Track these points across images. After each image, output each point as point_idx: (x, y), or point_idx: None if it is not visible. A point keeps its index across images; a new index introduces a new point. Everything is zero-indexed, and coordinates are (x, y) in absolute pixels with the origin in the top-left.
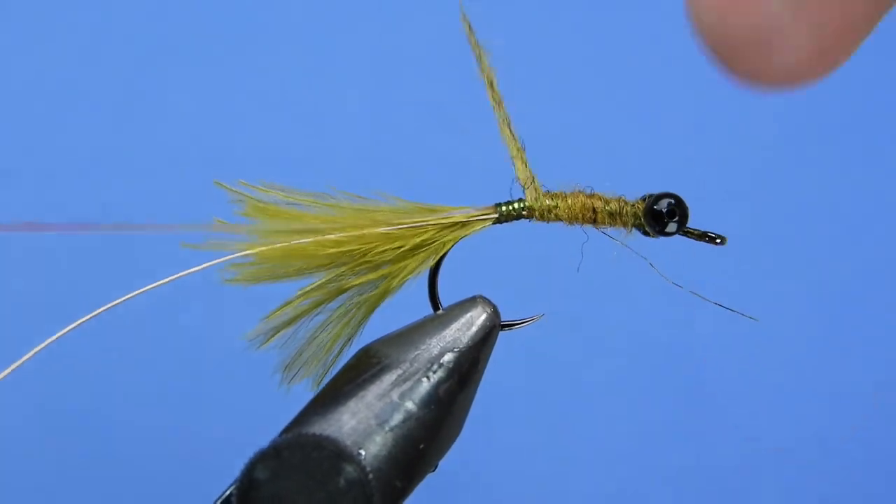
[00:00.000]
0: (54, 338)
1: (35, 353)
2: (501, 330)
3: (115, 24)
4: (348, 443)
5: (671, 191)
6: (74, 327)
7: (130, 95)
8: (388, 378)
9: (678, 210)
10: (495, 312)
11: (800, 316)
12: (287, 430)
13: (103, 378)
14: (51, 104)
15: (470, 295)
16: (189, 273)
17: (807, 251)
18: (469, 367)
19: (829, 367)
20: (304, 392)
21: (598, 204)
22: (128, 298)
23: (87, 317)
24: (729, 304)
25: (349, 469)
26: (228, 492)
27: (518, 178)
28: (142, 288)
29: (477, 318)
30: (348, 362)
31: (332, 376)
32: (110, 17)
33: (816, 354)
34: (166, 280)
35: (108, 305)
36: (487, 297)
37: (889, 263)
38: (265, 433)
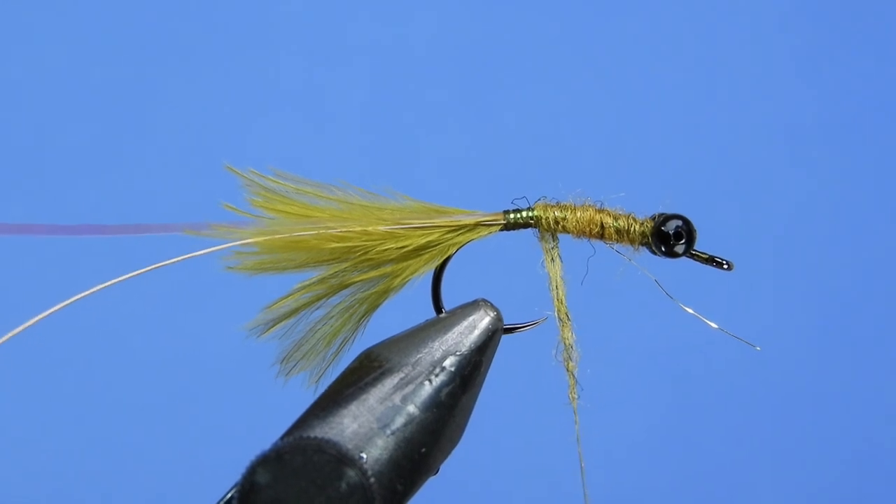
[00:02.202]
0: (34, 320)
1: (14, 335)
2: (504, 333)
3: (117, 22)
4: (350, 446)
5: (681, 212)
6: (61, 307)
7: (134, 92)
8: (390, 381)
9: (686, 232)
10: (498, 316)
11: (800, 321)
12: (288, 433)
13: (100, 377)
14: (51, 103)
15: (473, 298)
16: (189, 257)
17: (808, 253)
18: (471, 370)
19: (829, 370)
20: (304, 395)
21: (607, 220)
22: (120, 280)
23: (71, 300)
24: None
25: (351, 473)
26: (229, 495)
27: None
28: (133, 273)
29: (479, 322)
30: (349, 366)
31: (332, 380)
32: (113, 14)
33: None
34: (166, 262)
35: (97, 288)
36: (490, 300)
37: (889, 265)
38: (266, 436)
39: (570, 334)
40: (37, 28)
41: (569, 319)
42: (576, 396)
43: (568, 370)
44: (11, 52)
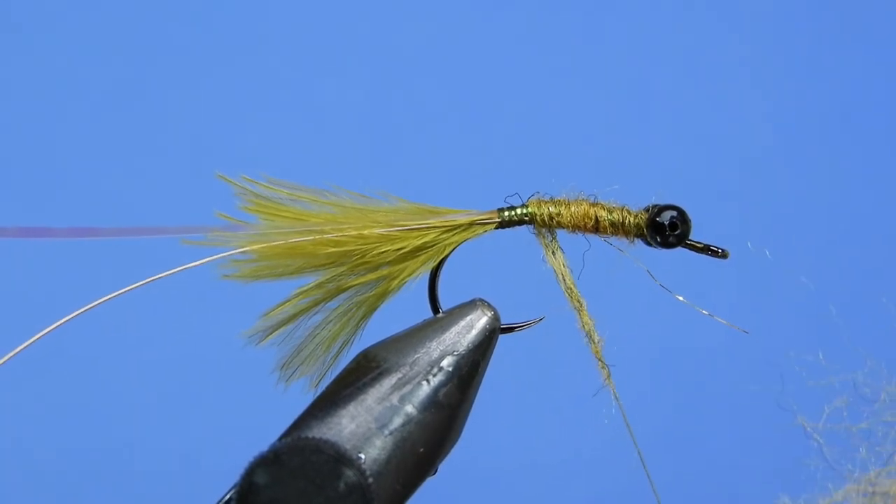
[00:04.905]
0: (41, 334)
1: (22, 350)
2: (501, 333)
3: (114, 23)
4: (348, 447)
5: (674, 202)
6: (65, 322)
7: (130, 93)
8: (388, 382)
9: (681, 223)
10: (495, 316)
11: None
12: (286, 434)
13: (100, 378)
14: (48, 104)
15: (470, 298)
16: (187, 268)
17: (805, 242)
18: (469, 370)
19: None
20: (302, 396)
21: (602, 213)
22: (124, 292)
23: (78, 312)
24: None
25: (349, 473)
26: (227, 496)
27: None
28: (137, 283)
29: (477, 322)
30: (347, 366)
31: (330, 380)
32: (110, 16)
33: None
34: (163, 274)
35: (101, 300)
36: (487, 300)
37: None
38: (264, 437)
39: (588, 319)
40: (33, 29)
41: (582, 305)
42: (610, 378)
43: (595, 354)
44: (8, 54)
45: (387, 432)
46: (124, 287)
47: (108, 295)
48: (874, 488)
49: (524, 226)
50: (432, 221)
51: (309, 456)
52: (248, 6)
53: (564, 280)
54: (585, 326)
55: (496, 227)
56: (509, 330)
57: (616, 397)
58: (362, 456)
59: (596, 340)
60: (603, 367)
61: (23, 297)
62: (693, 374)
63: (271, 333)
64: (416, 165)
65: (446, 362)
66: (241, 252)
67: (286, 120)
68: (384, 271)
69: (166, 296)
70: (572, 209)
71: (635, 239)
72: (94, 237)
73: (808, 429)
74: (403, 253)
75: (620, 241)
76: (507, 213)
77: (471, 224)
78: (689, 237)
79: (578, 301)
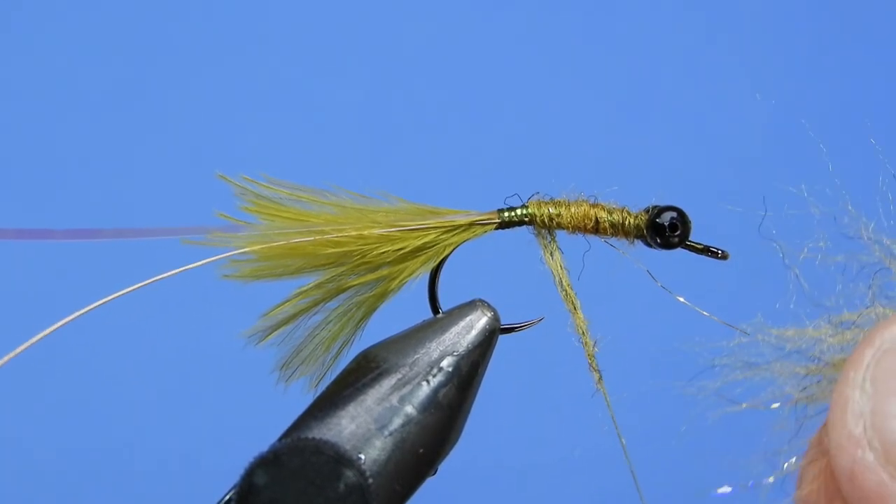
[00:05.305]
0: (42, 335)
1: (22, 350)
2: (501, 334)
3: (114, 23)
4: (348, 447)
5: (674, 203)
6: (65, 323)
7: (130, 94)
8: (388, 382)
9: (680, 224)
10: (495, 316)
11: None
12: (286, 435)
13: (100, 379)
14: (48, 104)
15: (469, 298)
16: (188, 269)
17: (801, 241)
18: (468, 370)
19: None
20: (302, 396)
21: (602, 214)
22: (124, 293)
23: (79, 312)
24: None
25: (349, 474)
26: (227, 497)
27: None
28: (138, 284)
29: (476, 322)
30: (347, 367)
31: (330, 381)
32: (110, 16)
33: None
34: (165, 275)
35: (102, 301)
36: (487, 300)
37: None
38: (264, 437)
39: (582, 321)
40: (33, 29)
41: (577, 307)
42: (601, 382)
43: (587, 357)
44: (8, 54)
45: (387, 433)
46: (124, 287)
47: (108, 296)
48: (845, 331)
49: (524, 226)
50: (432, 222)
51: (309, 456)
52: (248, 6)
53: (561, 281)
54: (579, 328)
55: (496, 228)
56: (509, 330)
57: (607, 400)
58: (362, 456)
59: (589, 343)
60: (595, 371)
61: (23, 297)
62: (693, 374)
63: (271, 333)
64: (416, 165)
65: (446, 363)
66: (242, 252)
67: (286, 120)
68: (384, 271)
69: (166, 296)
70: (572, 210)
71: (635, 240)
72: (93, 239)
73: (786, 260)
74: (403, 253)
75: (620, 242)
76: (506, 214)
77: (471, 224)
78: (689, 238)
79: (573, 303)
